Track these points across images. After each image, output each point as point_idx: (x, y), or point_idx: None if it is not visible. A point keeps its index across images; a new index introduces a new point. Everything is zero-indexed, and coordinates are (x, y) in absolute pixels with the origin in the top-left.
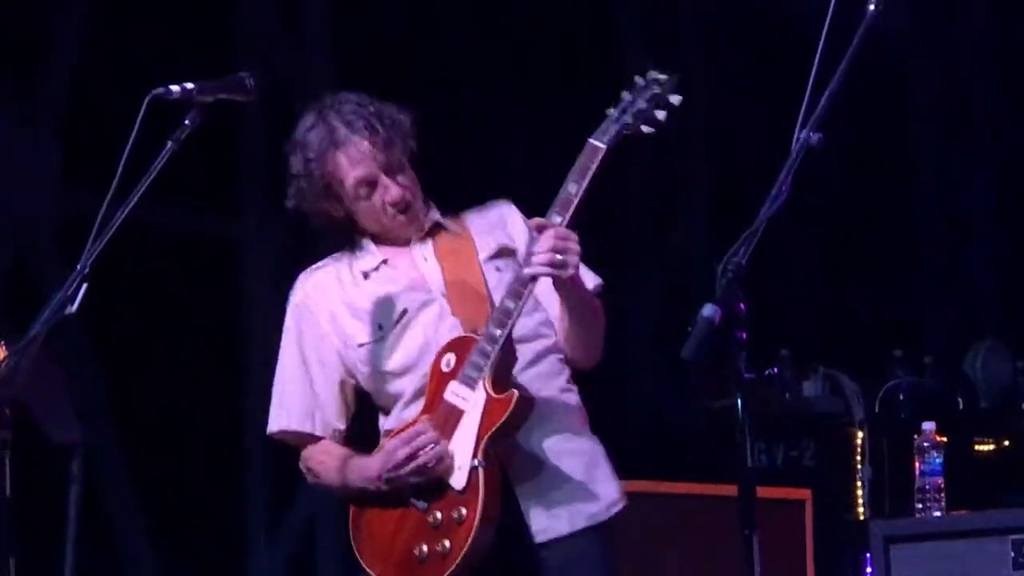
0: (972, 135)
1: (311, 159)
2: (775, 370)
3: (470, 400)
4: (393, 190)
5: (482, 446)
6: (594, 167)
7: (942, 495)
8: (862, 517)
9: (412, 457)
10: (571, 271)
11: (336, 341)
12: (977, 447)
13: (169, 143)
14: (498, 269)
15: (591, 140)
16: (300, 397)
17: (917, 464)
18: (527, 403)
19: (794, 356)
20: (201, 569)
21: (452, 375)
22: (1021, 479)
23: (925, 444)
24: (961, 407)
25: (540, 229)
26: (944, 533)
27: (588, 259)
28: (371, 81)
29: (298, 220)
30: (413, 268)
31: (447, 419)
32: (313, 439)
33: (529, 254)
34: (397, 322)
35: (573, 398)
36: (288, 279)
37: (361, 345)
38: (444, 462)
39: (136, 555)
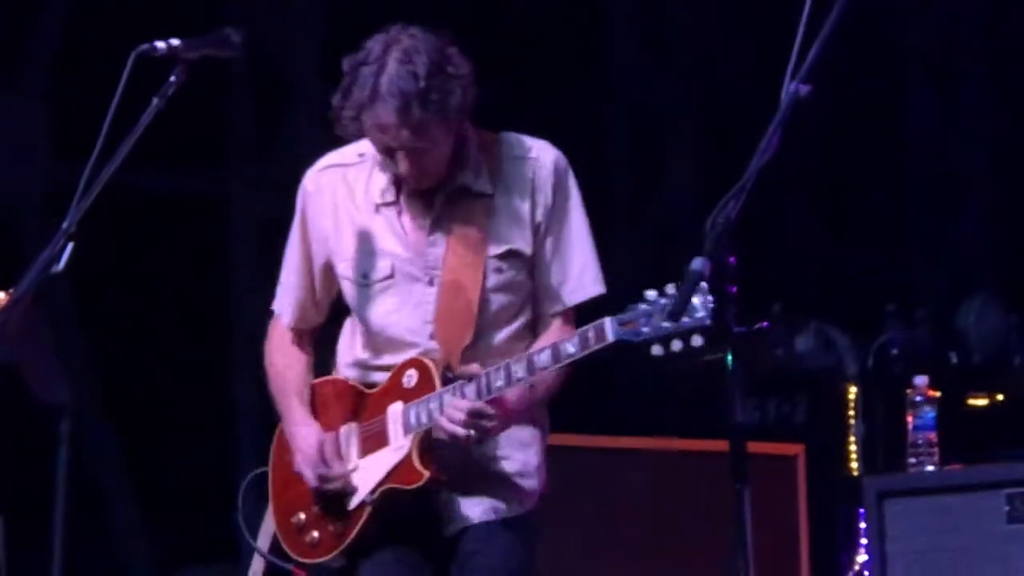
0: (965, 87)
1: (351, 92)
2: (766, 324)
3: (396, 441)
4: (403, 167)
5: (380, 490)
6: (584, 352)
7: (935, 450)
8: (855, 472)
9: (320, 477)
10: (475, 439)
11: (331, 245)
12: (970, 401)
13: (155, 100)
14: (498, 270)
15: (607, 325)
16: (294, 289)
17: (910, 419)
18: (434, 484)
19: (786, 311)
20: (189, 529)
21: (404, 397)
22: (1014, 433)
23: (918, 399)
24: (954, 361)
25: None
26: (938, 488)
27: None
28: (357, 37)
29: (286, 176)
30: (421, 231)
31: (375, 435)
32: (294, 332)
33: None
34: (380, 281)
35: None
36: (274, 239)
37: (344, 278)
38: (346, 484)
39: (124, 515)
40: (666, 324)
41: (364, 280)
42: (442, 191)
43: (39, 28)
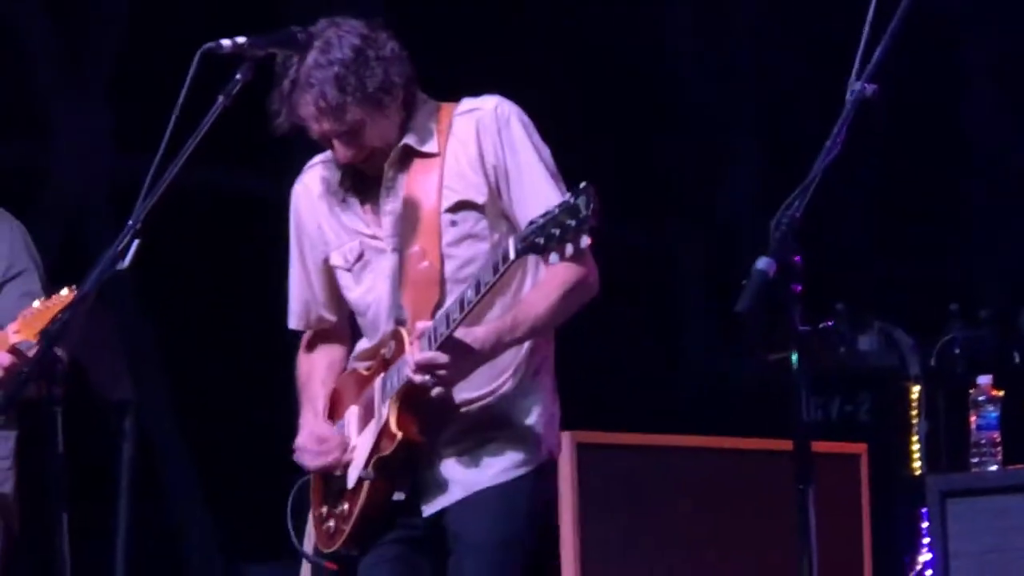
0: None
1: (278, 87)
2: (830, 323)
3: (379, 411)
4: (340, 153)
5: (372, 462)
6: (497, 276)
7: (998, 449)
8: (918, 472)
9: (321, 466)
10: (441, 391)
11: (322, 239)
12: None
13: (220, 98)
14: (453, 224)
15: (510, 245)
16: (298, 292)
17: (973, 418)
18: (413, 445)
19: (849, 310)
20: (254, 524)
21: (386, 368)
22: None
23: (981, 398)
24: (1017, 361)
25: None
26: (1001, 487)
27: (635, 208)
28: (421, 33)
29: None
30: (374, 206)
31: (366, 412)
32: (312, 336)
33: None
34: (356, 263)
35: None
36: None
37: (336, 268)
38: (346, 461)
39: (188, 511)
40: (554, 229)
41: (346, 265)
42: (389, 159)
43: (104, 25)
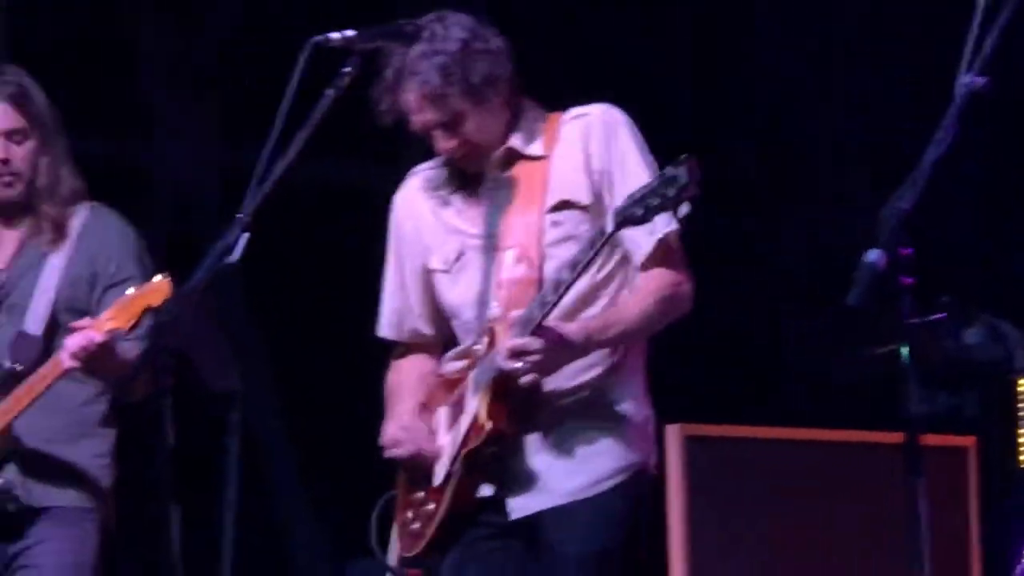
0: None
1: (388, 82)
2: (943, 315)
3: (469, 404)
4: (441, 144)
5: (459, 458)
6: (594, 251)
7: None
8: None
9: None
10: (532, 378)
11: (420, 245)
12: None
13: (329, 91)
14: (555, 224)
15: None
16: (393, 301)
17: None
18: (502, 437)
19: (955, 303)
20: (358, 515)
21: (475, 365)
22: None
23: None
24: None
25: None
26: None
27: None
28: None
29: None
30: (476, 206)
31: (457, 408)
32: (403, 348)
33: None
34: (456, 262)
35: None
36: None
37: (434, 271)
38: (433, 456)
39: (293, 505)
40: (654, 200)
41: (445, 267)
42: (492, 160)
43: (210, 16)
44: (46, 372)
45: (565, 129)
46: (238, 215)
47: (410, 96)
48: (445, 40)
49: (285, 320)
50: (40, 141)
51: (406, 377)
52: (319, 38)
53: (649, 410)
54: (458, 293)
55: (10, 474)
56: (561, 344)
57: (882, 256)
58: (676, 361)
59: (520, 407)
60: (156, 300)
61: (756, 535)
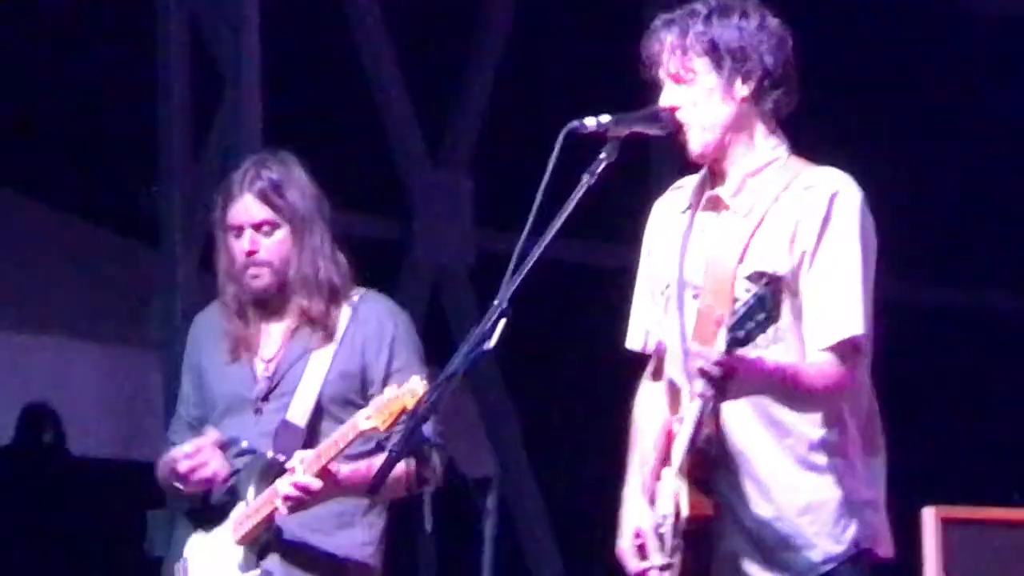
0: None
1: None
2: None
3: (671, 490)
4: (664, 96)
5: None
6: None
7: None
8: None
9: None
10: (708, 392)
11: (662, 263)
12: None
13: (585, 176)
14: (747, 290)
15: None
16: (640, 313)
17: None
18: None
19: None
20: None
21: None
22: None
23: None
24: None
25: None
26: None
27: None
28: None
29: None
30: (692, 240)
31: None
32: (656, 370)
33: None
34: (663, 292)
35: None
36: None
37: (652, 292)
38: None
39: None
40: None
41: (658, 295)
42: (703, 202)
43: (464, 101)
44: (265, 498)
45: (787, 195)
46: (495, 302)
47: (656, 42)
48: (716, 5)
49: (540, 400)
50: (293, 232)
51: (651, 419)
52: (574, 125)
53: (873, 494)
54: (667, 324)
55: (271, 564)
56: (742, 365)
57: None
58: (925, 442)
59: (714, 449)
60: (412, 402)
61: None
